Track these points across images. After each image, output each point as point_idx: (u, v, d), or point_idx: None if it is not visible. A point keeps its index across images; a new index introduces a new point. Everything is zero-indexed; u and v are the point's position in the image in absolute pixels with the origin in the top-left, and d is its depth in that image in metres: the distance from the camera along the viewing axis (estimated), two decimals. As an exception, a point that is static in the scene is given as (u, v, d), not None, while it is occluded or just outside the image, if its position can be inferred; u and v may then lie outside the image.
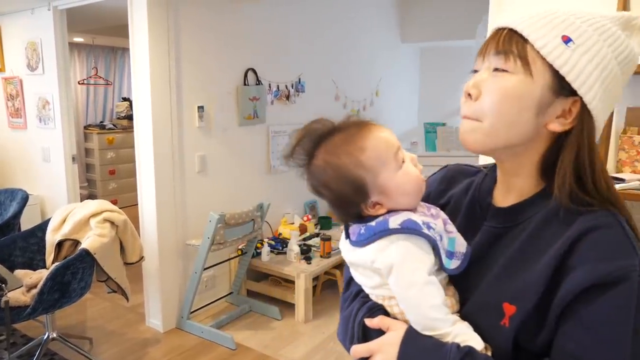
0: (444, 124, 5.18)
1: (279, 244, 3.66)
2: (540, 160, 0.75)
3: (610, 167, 1.99)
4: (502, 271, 0.73)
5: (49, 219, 2.85)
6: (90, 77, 6.26)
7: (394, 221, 0.74)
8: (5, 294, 2.36)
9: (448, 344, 0.70)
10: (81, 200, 3.26)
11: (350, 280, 0.86)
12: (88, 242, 2.48)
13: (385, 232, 0.74)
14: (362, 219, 0.78)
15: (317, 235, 3.88)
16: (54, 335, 2.79)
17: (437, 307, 0.72)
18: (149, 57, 2.89)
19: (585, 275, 0.64)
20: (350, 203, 0.77)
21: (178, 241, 3.22)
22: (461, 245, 0.77)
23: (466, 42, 5.08)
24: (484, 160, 1.08)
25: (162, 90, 2.99)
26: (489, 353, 0.70)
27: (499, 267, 0.74)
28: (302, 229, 3.93)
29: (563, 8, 0.73)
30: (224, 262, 3.46)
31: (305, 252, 3.53)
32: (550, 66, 0.69)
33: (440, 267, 0.75)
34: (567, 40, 0.69)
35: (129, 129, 6.04)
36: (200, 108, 3.23)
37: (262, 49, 3.67)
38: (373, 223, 0.76)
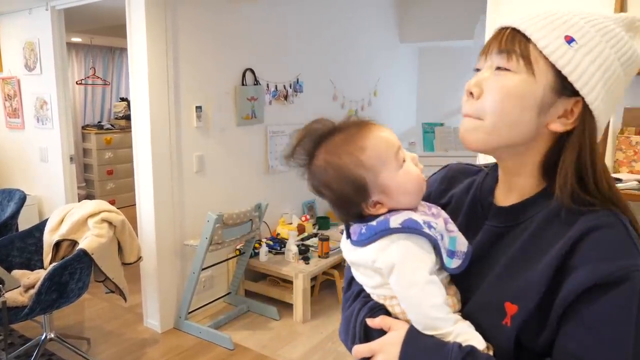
0: (442, 124, 5.19)
1: (277, 244, 3.66)
2: (541, 160, 0.75)
3: (607, 167, 2.00)
4: (503, 270, 0.73)
5: (46, 219, 2.85)
6: (88, 77, 6.25)
7: (395, 220, 0.74)
8: (3, 294, 2.35)
9: (449, 343, 0.69)
10: (79, 201, 3.26)
11: (352, 280, 0.86)
12: (86, 242, 2.47)
13: (386, 231, 0.74)
14: (363, 218, 0.78)
15: (315, 235, 3.88)
16: (52, 335, 2.79)
17: (439, 307, 0.71)
18: (147, 57, 2.89)
19: (587, 275, 0.64)
20: (351, 203, 0.77)
21: (176, 241, 3.21)
22: (462, 244, 0.77)
23: (465, 42, 5.09)
24: (483, 160, 1.09)
25: (160, 90, 2.99)
26: (491, 352, 0.70)
27: (500, 267, 0.74)
28: (300, 229, 3.92)
29: (565, 8, 0.73)
30: (222, 262, 3.45)
31: (304, 252, 3.53)
32: (553, 66, 0.69)
33: (442, 267, 0.75)
34: (570, 40, 0.69)
35: (127, 129, 6.04)
36: (198, 108, 3.23)
37: (260, 49, 3.67)
38: (374, 223, 0.76)
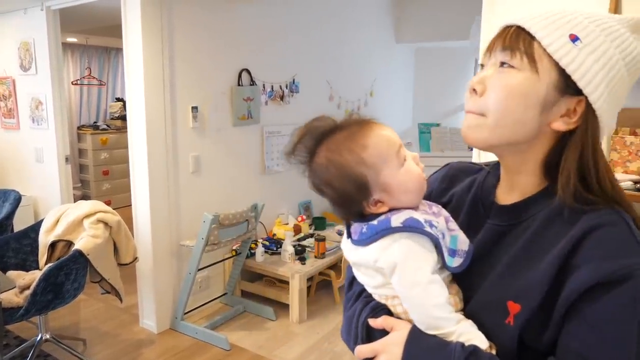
0: (438, 125, 5.19)
1: (274, 245, 3.66)
2: (543, 159, 0.74)
3: (610, 166, 2.01)
4: (505, 269, 0.73)
5: (42, 220, 2.84)
6: (83, 77, 6.24)
7: (396, 219, 0.74)
8: (-2, 295, 2.35)
9: (452, 343, 0.69)
10: (74, 201, 3.25)
11: (353, 280, 0.86)
12: (81, 243, 2.47)
13: (387, 230, 0.74)
14: (364, 217, 0.78)
15: (311, 235, 3.88)
16: (47, 336, 2.78)
17: (441, 306, 0.71)
18: (142, 56, 2.88)
19: (590, 274, 0.64)
20: (352, 201, 0.77)
21: (172, 242, 3.21)
22: (463, 243, 0.76)
23: (460, 43, 5.10)
24: (477, 160, 1.09)
25: (156, 90, 2.98)
26: (494, 352, 0.70)
27: (502, 266, 0.74)
28: (297, 229, 3.93)
29: (570, 8, 0.73)
30: (218, 262, 3.45)
31: (300, 253, 3.53)
32: (557, 64, 0.68)
33: (443, 266, 0.75)
34: (574, 39, 0.69)
35: (123, 129, 6.02)
36: (194, 108, 3.22)
37: (256, 50, 3.67)
38: (375, 222, 0.76)
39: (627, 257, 0.64)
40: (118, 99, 6.82)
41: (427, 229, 0.73)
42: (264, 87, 3.79)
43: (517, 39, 0.71)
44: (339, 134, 0.77)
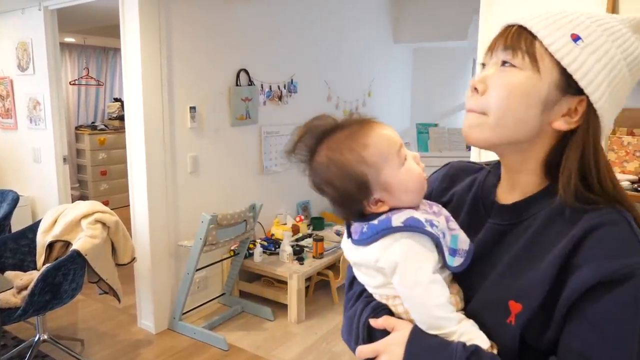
0: (436, 125, 5.20)
1: (272, 245, 3.66)
2: (544, 158, 0.74)
3: (611, 166, 2.01)
4: (506, 269, 0.73)
5: (39, 220, 2.83)
6: (81, 77, 6.23)
7: (397, 219, 0.74)
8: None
9: (454, 342, 0.69)
10: (72, 202, 3.25)
11: (354, 280, 0.86)
12: (79, 243, 2.46)
13: (388, 230, 0.74)
14: (364, 217, 0.78)
15: (309, 235, 3.88)
16: (45, 337, 2.78)
17: (443, 306, 0.71)
18: (140, 56, 2.88)
19: (591, 273, 0.64)
20: (352, 200, 0.77)
21: (170, 242, 3.21)
22: (464, 242, 0.76)
23: (458, 43, 5.11)
24: (481, 159, 1.09)
25: (154, 90, 2.98)
26: (495, 351, 0.70)
27: (503, 265, 0.74)
28: (295, 229, 3.92)
29: (566, 7, 0.73)
30: (216, 263, 3.45)
31: (298, 253, 3.53)
32: (558, 64, 0.68)
33: (444, 265, 0.75)
34: (576, 38, 0.69)
35: (121, 129, 6.02)
36: (192, 108, 3.22)
37: (254, 50, 3.67)
38: (376, 221, 0.75)
39: (628, 257, 0.64)
40: (116, 99, 6.81)
41: (428, 228, 0.73)
42: (262, 87, 3.79)
43: (518, 39, 0.71)
44: (340, 133, 0.77)
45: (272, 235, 3.88)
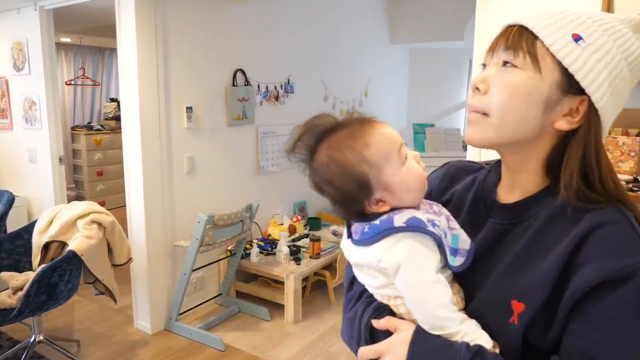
0: (432, 125, 5.21)
1: (268, 245, 3.66)
2: (545, 158, 0.74)
3: (612, 166, 2.02)
4: (508, 268, 0.73)
5: (35, 221, 2.83)
6: (77, 77, 6.21)
7: (399, 219, 0.73)
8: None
9: (457, 343, 0.69)
10: (68, 202, 3.24)
11: (353, 280, 0.85)
12: (75, 243, 2.46)
13: (390, 230, 0.73)
14: (365, 217, 0.77)
15: (306, 236, 3.88)
16: (41, 337, 2.77)
17: (446, 306, 0.71)
18: (136, 56, 2.87)
19: (594, 272, 0.64)
20: (353, 200, 0.76)
21: (166, 242, 3.20)
22: (465, 241, 0.76)
23: (455, 43, 5.12)
24: (481, 158, 1.09)
25: (150, 90, 2.97)
26: (497, 351, 0.70)
27: (504, 264, 0.74)
28: (292, 229, 3.92)
29: (564, 6, 0.73)
30: (212, 263, 3.44)
31: (295, 253, 3.53)
32: (560, 64, 0.69)
33: (445, 265, 0.75)
34: (577, 38, 0.69)
35: (117, 129, 6.00)
36: (189, 109, 3.22)
37: (251, 50, 3.67)
38: (377, 222, 0.75)
39: (630, 256, 0.64)
40: (112, 100, 6.79)
41: (430, 228, 0.73)
42: (258, 88, 3.79)
43: (520, 39, 0.71)
44: (341, 132, 0.76)
45: (269, 235, 3.88)
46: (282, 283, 3.36)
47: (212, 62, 3.38)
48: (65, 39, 6.07)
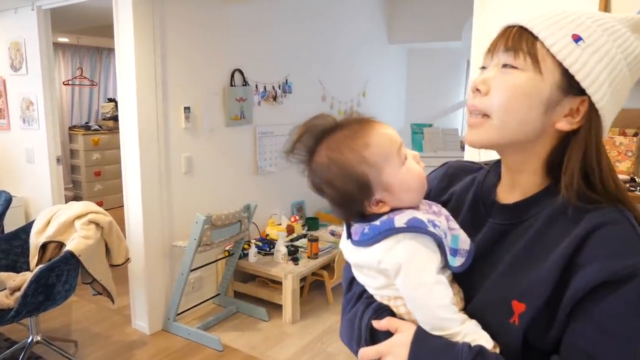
0: (430, 125, 5.21)
1: (266, 245, 3.66)
2: (546, 158, 0.75)
3: (613, 166, 2.02)
4: (508, 269, 0.73)
5: (33, 221, 2.82)
6: (75, 77, 6.20)
7: (400, 220, 0.73)
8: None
9: (459, 343, 0.69)
10: (66, 202, 3.23)
11: (352, 281, 0.85)
12: (73, 244, 2.45)
13: (391, 231, 0.73)
14: (365, 217, 0.77)
15: (304, 236, 3.88)
16: (38, 338, 2.76)
17: (447, 307, 0.71)
18: (134, 56, 2.87)
19: (595, 273, 0.64)
20: (353, 201, 0.75)
21: (164, 243, 3.20)
22: (464, 242, 0.76)
23: (453, 43, 5.13)
24: (481, 158, 1.09)
25: (148, 90, 2.97)
26: (498, 351, 0.70)
27: (504, 265, 0.74)
28: (290, 229, 3.92)
29: (563, 7, 0.73)
30: (210, 263, 3.44)
31: (293, 253, 3.53)
32: (560, 64, 0.69)
33: (445, 265, 0.75)
34: (577, 39, 0.69)
35: (115, 130, 5.98)
36: (187, 109, 3.21)
37: (249, 50, 3.67)
38: (377, 222, 0.74)
39: (630, 257, 0.64)
40: (110, 100, 6.78)
41: (431, 228, 0.72)
42: (256, 88, 3.78)
43: (520, 40, 0.71)
44: (340, 133, 0.76)
45: (267, 235, 3.88)
46: (280, 283, 3.36)
47: (210, 62, 3.38)
48: (63, 39, 6.07)
